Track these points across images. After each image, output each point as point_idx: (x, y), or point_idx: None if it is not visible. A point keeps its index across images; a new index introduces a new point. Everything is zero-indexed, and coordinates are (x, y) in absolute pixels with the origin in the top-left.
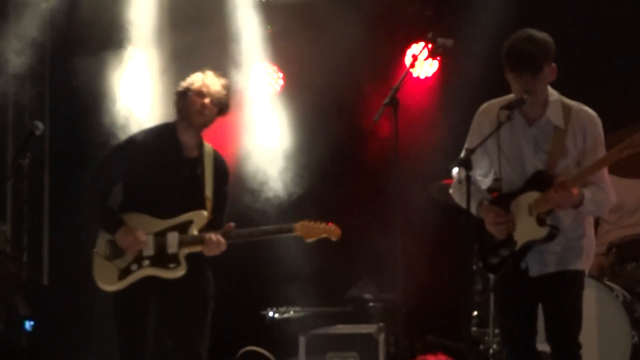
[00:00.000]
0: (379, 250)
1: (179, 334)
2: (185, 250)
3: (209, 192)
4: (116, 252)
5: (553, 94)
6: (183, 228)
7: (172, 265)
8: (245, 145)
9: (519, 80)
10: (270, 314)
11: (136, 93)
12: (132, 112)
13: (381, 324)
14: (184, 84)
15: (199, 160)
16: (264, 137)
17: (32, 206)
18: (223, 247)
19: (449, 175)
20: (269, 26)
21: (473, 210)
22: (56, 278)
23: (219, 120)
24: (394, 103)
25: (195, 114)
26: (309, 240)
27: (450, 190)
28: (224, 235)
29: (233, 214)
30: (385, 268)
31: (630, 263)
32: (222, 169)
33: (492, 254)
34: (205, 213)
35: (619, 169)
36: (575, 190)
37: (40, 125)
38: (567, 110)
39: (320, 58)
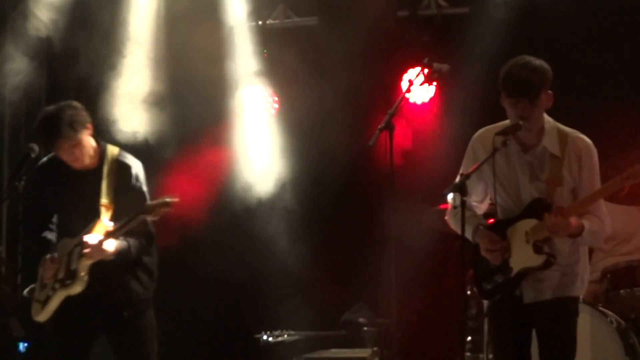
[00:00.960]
0: (374, 274)
1: (117, 354)
2: (85, 263)
3: (105, 198)
4: (42, 286)
5: (549, 121)
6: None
7: (68, 282)
8: (239, 168)
9: (515, 107)
10: (264, 337)
11: (134, 117)
12: (130, 134)
13: (375, 349)
14: None
15: (96, 171)
16: (258, 160)
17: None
18: (102, 251)
19: (445, 201)
20: (264, 50)
21: (468, 235)
22: None
23: (213, 144)
24: (389, 128)
25: (74, 166)
26: (155, 217)
27: (446, 216)
28: (102, 239)
29: (226, 235)
30: (379, 293)
31: (624, 289)
32: (122, 173)
33: (486, 280)
34: (101, 221)
35: (613, 196)
36: (574, 221)
37: (36, 147)
38: (563, 138)
39: (316, 82)
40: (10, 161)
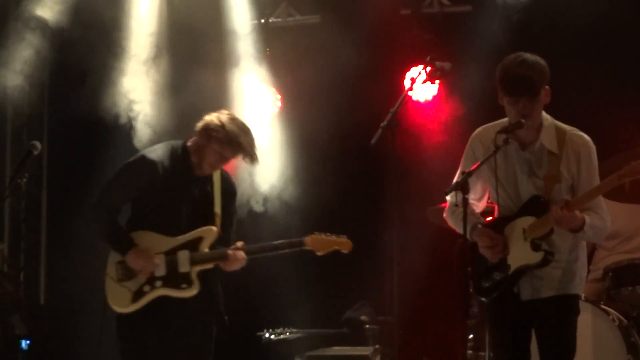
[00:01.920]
0: (376, 272)
1: (185, 353)
2: (198, 268)
3: (217, 208)
4: (127, 273)
5: (547, 118)
6: (193, 245)
7: (184, 285)
8: (240, 166)
9: (515, 105)
10: (266, 335)
11: (136, 113)
12: (131, 132)
13: (377, 346)
14: (215, 122)
15: (209, 178)
16: (260, 158)
17: (29, 226)
18: (244, 262)
19: (446, 199)
20: (267, 48)
21: (467, 233)
22: (53, 297)
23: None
24: (392, 126)
25: (209, 165)
26: (320, 253)
27: (445, 214)
28: (241, 250)
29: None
30: (381, 290)
31: (626, 287)
32: (229, 188)
33: (485, 277)
34: (214, 229)
35: (615, 194)
36: (577, 213)
37: (38, 145)
38: (561, 135)
39: (319, 80)
40: (13, 159)
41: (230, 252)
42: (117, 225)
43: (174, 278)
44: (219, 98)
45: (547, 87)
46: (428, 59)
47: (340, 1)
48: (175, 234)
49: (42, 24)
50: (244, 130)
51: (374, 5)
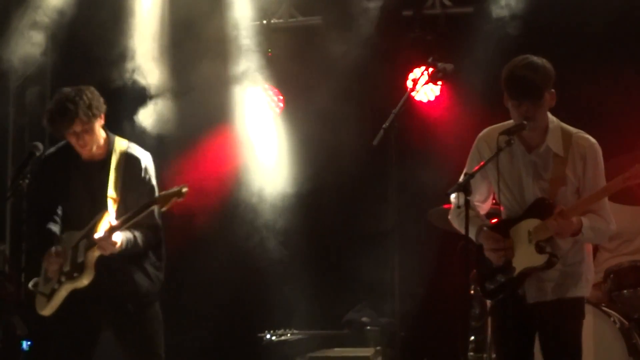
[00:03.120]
0: (377, 274)
1: (123, 347)
2: (92, 255)
3: (113, 191)
4: (46, 278)
5: (553, 120)
6: (91, 233)
7: (75, 275)
8: (243, 167)
9: (519, 108)
10: (268, 336)
11: (137, 114)
12: (135, 130)
13: (378, 348)
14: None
15: (104, 162)
16: (263, 159)
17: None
18: (110, 243)
19: (449, 200)
20: (269, 49)
21: (472, 235)
22: None
23: (219, 142)
24: (394, 127)
25: (81, 152)
26: (164, 208)
27: (449, 216)
28: (109, 231)
29: (231, 234)
30: (383, 292)
31: (627, 289)
32: (130, 166)
33: (489, 279)
34: (106, 213)
35: (618, 196)
36: (574, 219)
37: (40, 146)
38: (567, 138)
39: (321, 81)
40: (15, 160)
41: (96, 236)
42: (42, 236)
43: (72, 269)
44: (221, 100)
45: (552, 90)
46: (430, 60)
47: (342, 2)
48: (81, 227)
49: (46, 24)
50: (63, 96)
51: (376, 6)
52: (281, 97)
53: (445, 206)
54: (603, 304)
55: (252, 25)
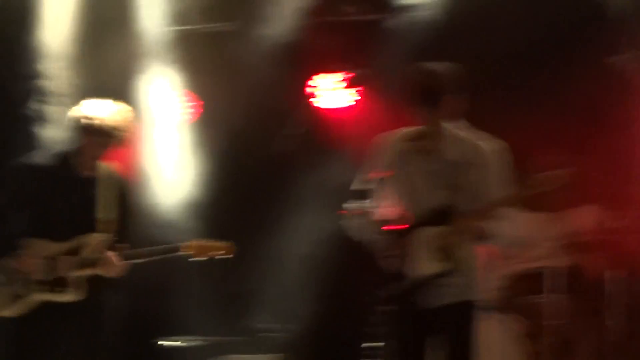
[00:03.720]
0: (279, 279)
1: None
2: (76, 274)
3: (102, 214)
4: (9, 278)
5: (453, 126)
6: (74, 251)
7: (58, 289)
8: (153, 175)
9: (420, 114)
10: (165, 343)
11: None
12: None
13: (280, 355)
14: (87, 114)
15: (93, 181)
16: (172, 164)
17: None
18: (121, 267)
19: (350, 206)
20: (179, 56)
21: (371, 242)
22: None
23: (128, 149)
24: (301, 133)
25: (91, 158)
26: (198, 258)
27: (348, 221)
28: (119, 256)
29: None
30: (284, 297)
31: (524, 296)
32: (120, 190)
33: (386, 285)
34: (97, 236)
35: (519, 203)
36: (478, 223)
37: None
38: (466, 144)
39: (232, 88)
40: None
41: (103, 256)
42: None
43: (51, 282)
44: (133, 105)
45: (454, 95)
46: (340, 66)
47: (254, 9)
48: (59, 240)
49: None
50: (117, 115)
51: (287, 12)
52: (193, 103)
53: (347, 212)
54: (503, 310)
55: (162, 31)
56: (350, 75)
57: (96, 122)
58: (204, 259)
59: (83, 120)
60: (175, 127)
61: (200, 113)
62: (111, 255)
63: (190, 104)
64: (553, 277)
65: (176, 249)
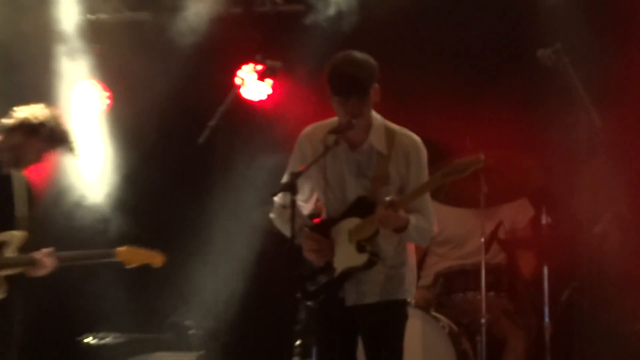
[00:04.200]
0: (201, 276)
1: None
2: (1, 273)
3: (19, 212)
4: None
5: (377, 118)
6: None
7: None
8: (66, 167)
9: (345, 105)
10: (86, 339)
11: None
12: None
13: (202, 352)
14: (35, 117)
15: (8, 179)
16: (88, 158)
17: None
18: (50, 269)
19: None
20: (95, 45)
21: (297, 236)
22: None
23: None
24: (220, 125)
25: (27, 162)
26: (130, 266)
27: (272, 215)
28: (49, 257)
29: (49, 232)
30: (207, 294)
31: (456, 294)
32: (31, 189)
33: (310, 280)
34: (18, 234)
35: (449, 198)
36: (402, 213)
37: None
38: (390, 135)
39: (149, 78)
40: None
41: (38, 257)
42: None
43: None
44: (44, 95)
45: (376, 86)
46: (258, 57)
47: None
48: None
49: None
50: (63, 123)
51: (205, 2)
52: (108, 94)
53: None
54: (432, 309)
55: (78, 20)
56: (271, 66)
57: (33, 122)
58: (133, 266)
59: (16, 120)
60: (91, 121)
61: (117, 105)
62: (41, 256)
63: (106, 95)
64: (485, 274)
65: (110, 255)
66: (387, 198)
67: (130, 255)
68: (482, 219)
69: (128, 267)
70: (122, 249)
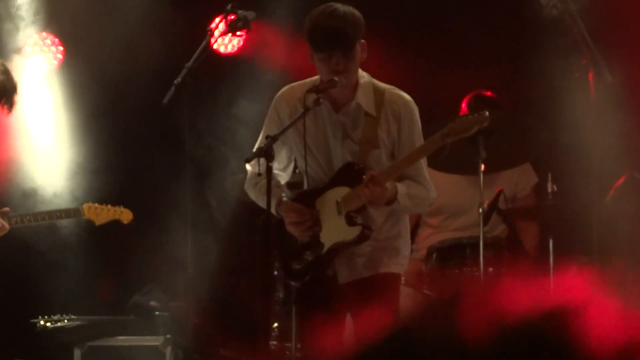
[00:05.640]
0: (168, 251)
1: None
2: None
3: None
4: None
5: (363, 75)
6: None
7: None
8: (17, 130)
9: (328, 62)
10: (42, 322)
11: None
12: None
13: (168, 336)
14: None
15: None
16: (39, 119)
17: None
18: (4, 231)
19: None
20: None
21: (272, 209)
22: None
23: None
24: (187, 83)
25: None
26: (99, 223)
27: (245, 185)
28: (3, 217)
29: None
30: (173, 272)
31: (452, 270)
32: None
33: (295, 259)
34: None
35: (441, 164)
36: (388, 185)
37: None
38: (379, 95)
39: (107, 29)
40: None
41: None
42: None
43: None
44: None
45: (362, 41)
46: (229, 7)
47: None
48: None
49: None
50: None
51: None
52: (61, 48)
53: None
54: (424, 286)
55: None
56: (243, 16)
57: None
58: (102, 223)
59: None
60: (41, 79)
61: (71, 60)
62: None
63: (59, 49)
64: (483, 248)
65: (77, 213)
66: (368, 172)
67: (96, 212)
68: (480, 187)
69: (98, 224)
70: (87, 205)
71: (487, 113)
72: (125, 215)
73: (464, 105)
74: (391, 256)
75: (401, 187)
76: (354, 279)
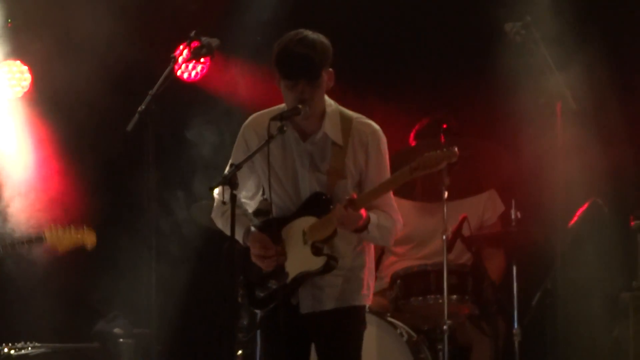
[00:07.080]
0: (132, 279)
1: None
2: None
3: None
4: None
5: (331, 104)
6: None
7: None
8: None
9: (293, 89)
10: (5, 350)
11: None
12: None
13: None
14: None
15: None
16: (7, 147)
17: None
18: None
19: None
20: (9, 19)
21: (239, 237)
22: None
23: None
24: (151, 110)
25: None
26: (63, 249)
27: (212, 214)
28: None
29: None
30: (138, 299)
31: (416, 297)
32: None
33: (259, 286)
34: None
35: (409, 192)
36: (363, 211)
37: None
38: (346, 123)
39: (72, 56)
40: None
41: None
42: None
43: None
44: None
45: (330, 69)
46: (193, 34)
47: None
48: None
49: None
50: None
51: None
52: (28, 75)
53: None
54: (388, 314)
55: None
56: (207, 43)
57: None
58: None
59: None
60: (6, 105)
61: (39, 87)
62: None
63: (24, 76)
64: (448, 275)
65: (38, 238)
66: (347, 197)
67: (58, 236)
68: (444, 214)
69: (60, 252)
70: (48, 229)
71: (455, 149)
72: (88, 237)
73: (415, 131)
74: (357, 288)
75: (373, 217)
76: (317, 310)
